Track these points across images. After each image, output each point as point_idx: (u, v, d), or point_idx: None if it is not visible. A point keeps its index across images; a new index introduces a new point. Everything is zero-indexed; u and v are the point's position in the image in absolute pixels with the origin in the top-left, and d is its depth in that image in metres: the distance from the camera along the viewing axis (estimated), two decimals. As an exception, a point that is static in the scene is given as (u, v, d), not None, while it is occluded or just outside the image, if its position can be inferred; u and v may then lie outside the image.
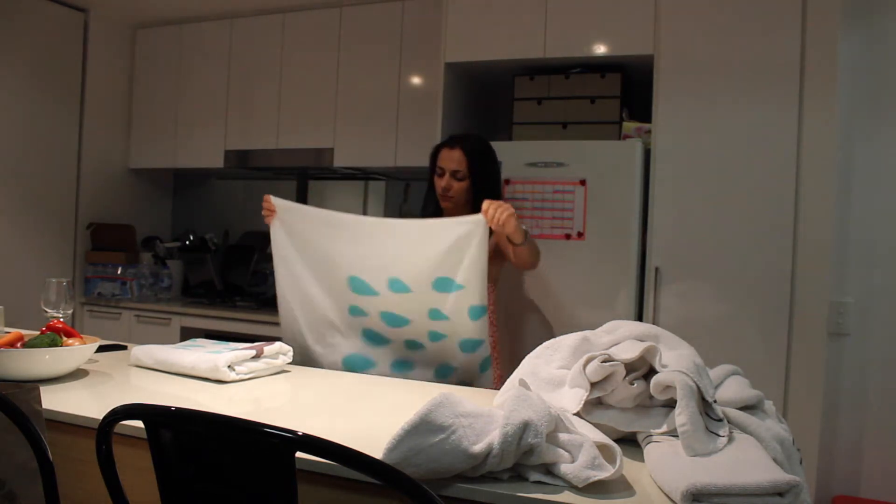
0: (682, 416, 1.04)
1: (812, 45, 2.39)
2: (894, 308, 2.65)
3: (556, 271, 2.66)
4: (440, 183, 2.17)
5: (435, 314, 1.89)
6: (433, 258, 1.84)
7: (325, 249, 1.94)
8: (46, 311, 1.74)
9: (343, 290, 1.94)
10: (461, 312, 1.86)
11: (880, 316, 2.66)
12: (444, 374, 1.96)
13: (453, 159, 2.16)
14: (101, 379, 1.58)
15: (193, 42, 3.92)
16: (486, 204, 1.82)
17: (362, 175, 3.86)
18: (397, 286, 1.88)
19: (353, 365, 1.95)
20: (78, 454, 1.22)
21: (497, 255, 2.12)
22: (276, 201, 1.97)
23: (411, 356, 1.96)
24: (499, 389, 1.37)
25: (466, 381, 1.94)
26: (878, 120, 2.68)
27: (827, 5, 2.38)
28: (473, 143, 2.21)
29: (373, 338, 1.97)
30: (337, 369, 1.92)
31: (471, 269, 1.82)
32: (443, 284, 1.85)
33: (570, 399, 1.18)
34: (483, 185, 2.16)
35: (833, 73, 2.37)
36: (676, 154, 2.56)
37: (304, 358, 1.95)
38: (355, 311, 1.96)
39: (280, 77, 3.67)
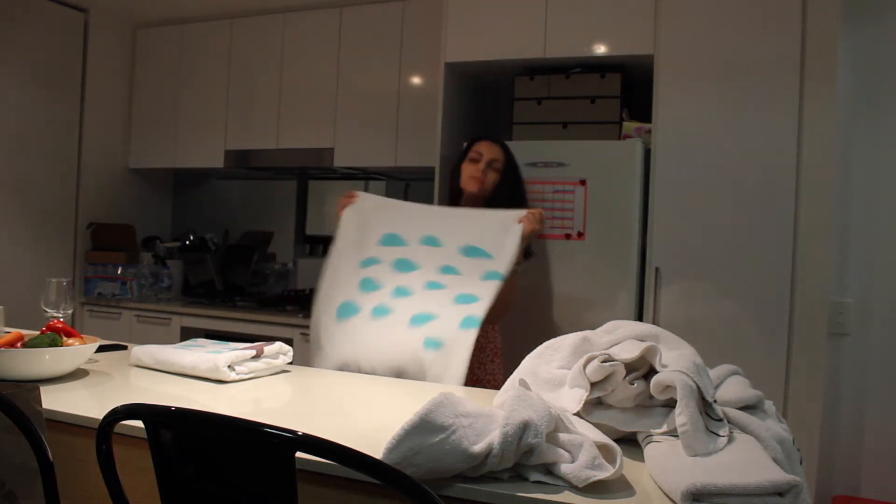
0: (682, 416, 1.04)
1: (812, 45, 2.39)
2: (894, 308, 2.65)
3: (556, 271, 2.65)
4: (475, 167, 2.24)
5: (447, 268, 1.94)
6: (474, 235, 1.99)
7: (378, 225, 2.07)
8: (46, 311, 1.74)
9: (368, 249, 2.02)
10: (476, 272, 1.92)
11: (880, 316, 2.66)
12: (419, 322, 1.85)
13: (494, 151, 2.28)
14: (101, 379, 1.58)
15: (193, 42, 3.92)
16: (526, 211, 1.99)
17: (362, 175, 3.86)
18: (429, 240, 2.00)
19: (343, 311, 1.94)
20: (78, 454, 1.22)
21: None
22: (360, 193, 2.13)
23: (392, 303, 1.92)
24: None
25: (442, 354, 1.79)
26: (877, 120, 2.68)
27: (827, 5, 2.38)
28: (508, 149, 2.35)
29: (367, 285, 1.98)
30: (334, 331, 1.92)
31: (502, 251, 1.94)
32: (471, 251, 1.96)
33: (570, 399, 1.18)
34: (510, 185, 2.27)
35: (833, 73, 2.37)
36: (676, 154, 2.56)
37: (316, 338, 1.97)
38: (366, 286, 1.97)
39: (280, 77, 3.67)
